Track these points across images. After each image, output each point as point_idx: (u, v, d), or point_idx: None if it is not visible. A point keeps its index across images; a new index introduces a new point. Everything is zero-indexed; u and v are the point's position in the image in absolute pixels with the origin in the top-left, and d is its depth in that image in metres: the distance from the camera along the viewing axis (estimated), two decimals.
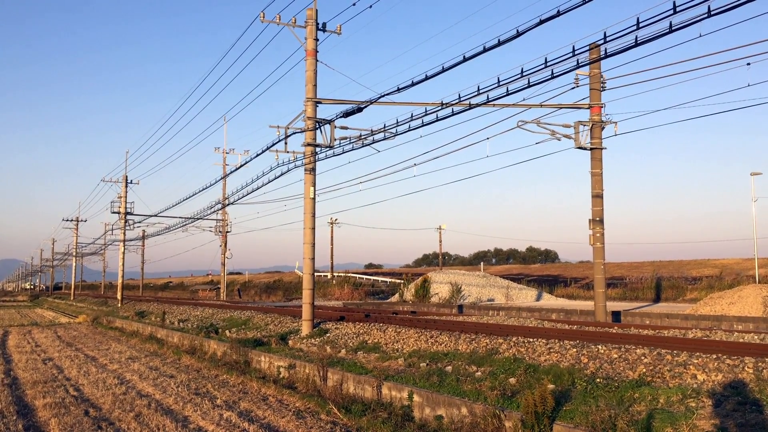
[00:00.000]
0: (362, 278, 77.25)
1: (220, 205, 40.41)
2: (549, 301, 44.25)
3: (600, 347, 10.81)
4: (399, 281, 60.19)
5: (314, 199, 18.71)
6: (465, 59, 12.52)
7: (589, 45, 11.53)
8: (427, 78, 13.84)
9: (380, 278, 78.73)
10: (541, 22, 10.61)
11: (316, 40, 18.73)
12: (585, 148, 22.21)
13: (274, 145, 19.74)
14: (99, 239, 76.52)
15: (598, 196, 22.13)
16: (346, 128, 18.77)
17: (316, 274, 22.09)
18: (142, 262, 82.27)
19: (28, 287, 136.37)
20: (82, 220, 77.85)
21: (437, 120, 15.12)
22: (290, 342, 17.73)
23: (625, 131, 58.11)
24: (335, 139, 18.56)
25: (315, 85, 18.56)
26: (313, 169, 18.68)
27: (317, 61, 18.67)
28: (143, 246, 77.79)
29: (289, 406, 11.30)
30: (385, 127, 17.18)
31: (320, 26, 18.81)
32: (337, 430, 9.46)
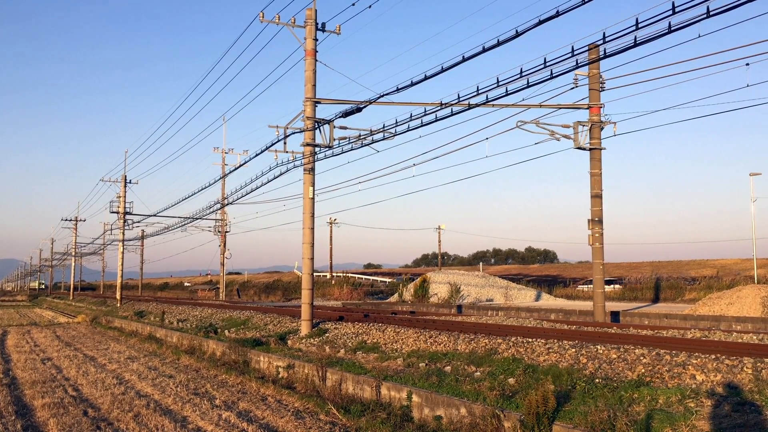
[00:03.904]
0: (361, 278, 77.27)
1: (219, 205, 40.40)
2: (548, 301, 44.28)
3: (599, 347, 10.81)
4: (398, 281, 60.22)
5: (313, 199, 18.71)
6: (464, 59, 12.52)
7: (589, 45, 11.53)
8: (426, 78, 13.84)
9: (379, 278, 78.75)
10: (541, 22, 10.61)
11: (316, 40, 18.72)
12: (584, 149, 22.22)
13: (273, 145, 19.74)
14: (98, 239, 76.56)
15: (597, 197, 22.14)
16: (345, 128, 18.77)
17: (315, 274, 22.09)
18: (141, 261, 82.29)
19: (36, 286, 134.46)
20: (81, 220, 77.78)
21: (436, 120, 15.12)
22: (289, 342, 17.73)
23: (625, 131, 58.20)
24: (334, 139, 18.56)
25: (314, 85, 18.55)
26: (312, 169, 18.68)
27: (316, 61, 18.67)
28: (142, 246, 77.81)
29: (288, 406, 11.29)
30: (384, 127, 17.18)
31: (319, 26, 18.81)
32: (336, 430, 9.46)
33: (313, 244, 18.73)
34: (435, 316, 27.09)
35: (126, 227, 47.88)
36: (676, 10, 8.93)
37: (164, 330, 25.14)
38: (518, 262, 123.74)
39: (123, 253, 48.76)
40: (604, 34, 9.95)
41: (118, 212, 47.39)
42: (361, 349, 14.61)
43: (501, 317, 23.20)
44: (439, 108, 15.18)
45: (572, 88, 20.12)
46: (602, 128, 22.09)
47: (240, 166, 27.73)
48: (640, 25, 9.45)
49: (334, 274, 79.74)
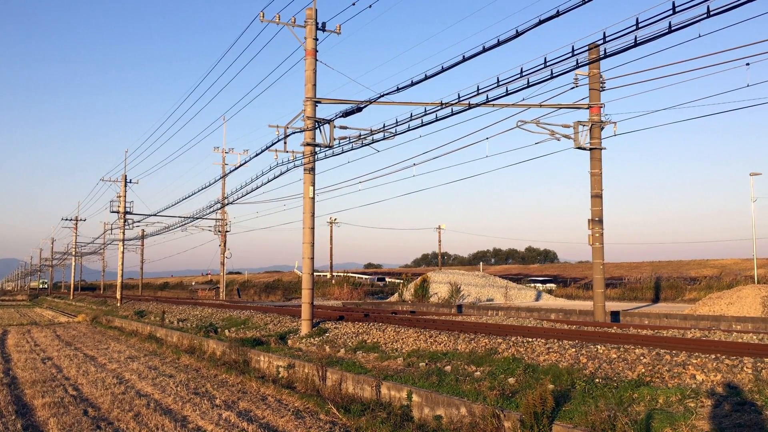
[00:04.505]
0: (361, 278, 77.25)
1: (219, 205, 40.39)
2: (548, 301, 44.26)
3: (599, 347, 10.82)
4: (398, 281, 60.20)
5: (313, 198, 18.71)
6: (464, 59, 12.52)
7: (589, 45, 11.52)
8: (426, 78, 13.84)
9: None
10: (541, 22, 10.61)
11: (316, 39, 18.72)
12: (584, 149, 22.22)
13: (273, 144, 19.74)
14: (98, 239, 76.58)
15: (597, 196, 22.14)
16: (345, 128, 18.77)
17: (315, 273, 22.10)
18: (142, 261, 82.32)
19: (38, 286, 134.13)
20: (81, 220, 77.86)
21: (437, 120, 15.12)
22: (289, 341, 17.73)
23: (625, 131, 58.21)
24: (335, 139, 18.56)
25: (314, 85, 18.55)
26: (313, 169, 18.68)
27: (317, 60, 18.67)
28: (142, 245, 77.86)
29: (288, 405, 11.30)
30: (384, 126, 17.18)
31: (320, 26, 18.81)
32: (336, 429, 9.46)
33: (313, 243, 18.73)
34: (435, 315, 27.09)
35: (126, 227, 47.92)
36: (676, 10, 8.93)
37: (164, 329, 25.14)
38: (518, 262, 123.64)
39: (123, 252, 48.77)
40: (604, 33, 9.95)
41: (118, 212, 47.40)
42: (361, 349, 14.61)
43: (501, 317, 23.19)
44: (439, 108, 15.18)
45: (572, 88, 20.13)
46: (602, 128, 22.09)
47: (240, 165, 27.74)
48: (640, 25, 9.45)
49: (335, 274, 79.74)
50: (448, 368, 11.39)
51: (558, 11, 10.22)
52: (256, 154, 21.53)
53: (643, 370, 9.21)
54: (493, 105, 16.63)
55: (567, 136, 22.18)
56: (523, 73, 11.90)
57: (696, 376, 8.65)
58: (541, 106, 19.60)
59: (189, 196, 35.56)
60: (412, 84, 14.28)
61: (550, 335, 13.71)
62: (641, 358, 9.81)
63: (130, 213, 47.72)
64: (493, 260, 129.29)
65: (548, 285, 54.61)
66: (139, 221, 49.19)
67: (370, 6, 16.68)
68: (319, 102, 18.57)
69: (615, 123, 21.91)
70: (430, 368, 11.61)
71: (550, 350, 11.12)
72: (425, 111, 15.29)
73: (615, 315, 25.44)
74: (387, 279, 77.48)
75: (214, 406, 11.42)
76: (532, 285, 56.53)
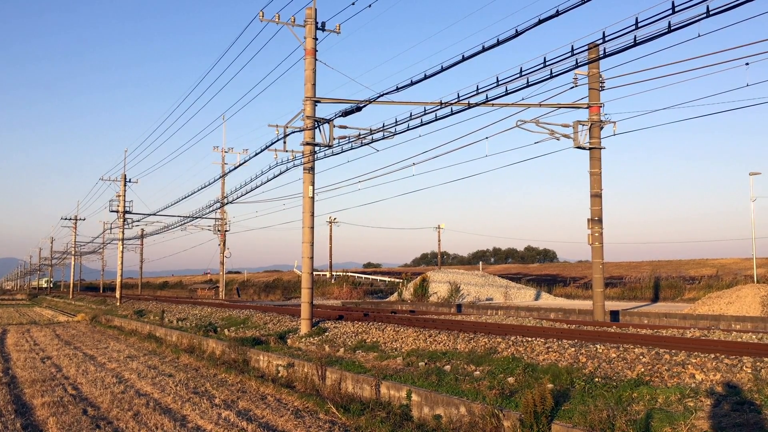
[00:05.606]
0: (361, 277, 77.28)
1: (218, 204, 40.37)
2: (548, 300, 44.26)
3: (598, 347, 10.82)
4: (398, 280, 60.21)
5: (313, 198, 18.70)
6: (464, 59, 12.52)
7: (588, 45, 11.51)
8: (426, 77, 13.83)
9: (379, 277, 78.78)
10: (540, 21, 10.61)
11: (315, 39, 18.72)
12: (584, 148, 22.22)
13: (273, 144, 19.72)
14: (98, 238, 76.59)
15: (596, 196, 22.14)
16: (345, 127, 18.76)
17: (314, 273, 22.10)
18: (141, 260, 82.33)
19: (43, 284, 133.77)
20: (80, 219, 77.79)
21: (436, 119, 15.12)
22: (289, 341, 17.74)
23: (624, 131, 58.20)
24: (334, 139, 18.55)
25: (314, 84, 18.54)
26: (312, 169, 18.67)
27: (316, 60, 18.66)
28: (142, 245, 77.87)
29: (288, 405, 11.30)
30: (384, 126, 17.17)
31: (319, 25, 18.81)
32: (336, 429, 9.46)
33: (312, 243, 18.72)
34: (434, 315, 27.11)
35: (126, 226, 47.89)
36: (676, 9, 8.93)
37: (164, 329, 25.14)
38: (518, 261, 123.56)
39: (123, 252, 48.75)
40: (603, 33, 9.95)
41: (117, 211, 47.38)
42: (361, 348, 14.62)
43: (500, 316, 23.21)
44: (438, 107, 15.18)
45: (572, 88, 20.12)
46: (602, 127, 22.08)
47: (240, 165, 27.73)
48: (639, 25, 9.45)
49: (334, 273, 79.74)
50: (447, 368, 11.40)
51: (558, 11, 10.22)
52: (256, 154, 21.53)
53: (642, 369, 9.21)
54: (493, 104, 16.63)
55: (566, 136, 22.17)
56: (523, 73, 11.89)
57: (695, 375, 8.66)
58: (540, 105, 19.60)
59: (188, 196, 35.56)
60: (412, 83, 14.28)
61: (550, 335, 13.72)
62: (640, 357, 9.81)
63: (129, 212, 47.71)
64: (492, 260, 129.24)
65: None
66: (138, 220, 49.23)
67: (370, 6, 16.68)
68: (319, 101, 18.56)
69: (614, 122, 21.91)
70: (430, 368, 11.61)
71: (550, 350, 11.12)
72: (425, 110, 15.28)
73: (614, 314, 25.45)
74: (357, 275, 79.23)
75: (213, 405, 11.42)
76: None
